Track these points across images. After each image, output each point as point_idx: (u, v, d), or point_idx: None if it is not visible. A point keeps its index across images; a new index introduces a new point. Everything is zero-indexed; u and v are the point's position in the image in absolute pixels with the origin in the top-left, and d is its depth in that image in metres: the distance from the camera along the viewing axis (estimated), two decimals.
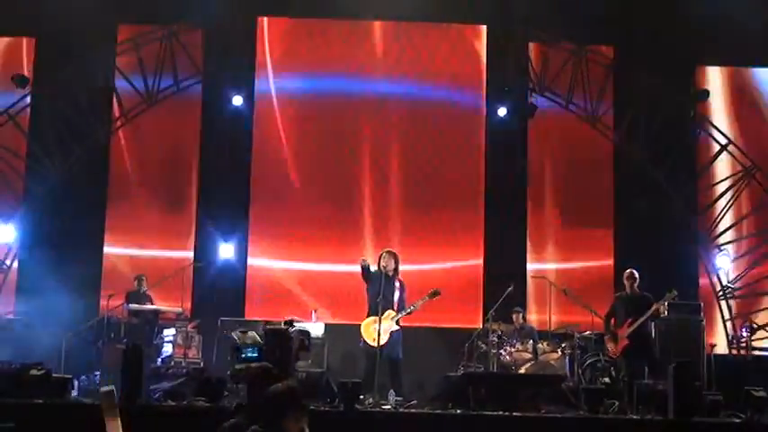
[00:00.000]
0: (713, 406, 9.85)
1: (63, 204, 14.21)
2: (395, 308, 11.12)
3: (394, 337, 11.05)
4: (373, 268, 11.34)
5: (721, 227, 14.56)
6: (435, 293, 11.31)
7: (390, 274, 11.21)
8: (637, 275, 11.28)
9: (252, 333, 10.43)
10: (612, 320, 11.43)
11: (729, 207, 14.58)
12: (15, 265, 14.34)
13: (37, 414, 8.88)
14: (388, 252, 11.42)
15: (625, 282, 11.35)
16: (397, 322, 11.09)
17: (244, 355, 9.95)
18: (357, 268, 11.54)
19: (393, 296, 11.16)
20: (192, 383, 10.32)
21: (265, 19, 15.24)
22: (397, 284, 11.27)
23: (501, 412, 9.36)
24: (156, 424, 8.93)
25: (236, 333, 10.58)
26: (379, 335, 10.77)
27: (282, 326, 10.24)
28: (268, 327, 10.34)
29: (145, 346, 10.34)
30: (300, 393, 4.39)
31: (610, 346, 11.27)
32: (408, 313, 11.19)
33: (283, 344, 9.87)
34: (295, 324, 10.50)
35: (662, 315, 11.80)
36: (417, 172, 15.02)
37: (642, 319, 11.01)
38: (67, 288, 13.06)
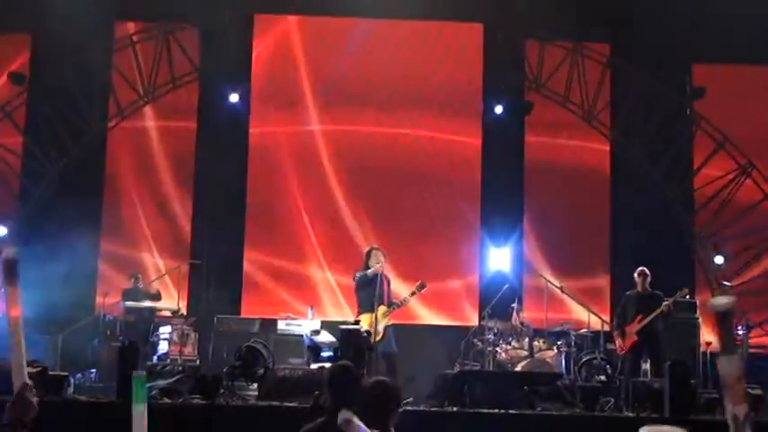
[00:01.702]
0: (709, 404, 9.87)
1: (59, 202, 14.19)
2: (385, 303, 11.14)
3: (389, 332, 11.06)
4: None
5: (717, 224, 14.58)
6: (422, 286, 11.31)
7: (382, 270, 11.21)
8: (649, 273, 11.24)
9: (324, 333, 10.46)
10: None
11: (725, 205, 14.60)
12: None
13: None
14: (378, 249, 11.38)
15: (637, 278, 11.28)
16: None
17: (322, 355, 10.00)
18: (350, 265, 11.54)
19: (384, 292, 11.17)
20: (187, 381, 10.31)
21: (262, 16, 15.23)
22: (386, 280, 11.28)
23: (497, 410, 9.36)
24: (152, 422, 8.92)
25: (309, 333, 10.55)
26: (375, 331, 10.75)
27: (353, 325, 10.34)
28: (342, 327, 10.41)
29: (141, 344, 10.33)
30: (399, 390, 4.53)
31: (618, 341, 11.25)
32: (398, 307, 11.19)
33: (357, 343, 9.93)
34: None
35: (672, 313, 11.62)
36: (414, 169, 15.02)
37: (652, 317, 10.99)
38: (63, 286, 13.05)
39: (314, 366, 9.97)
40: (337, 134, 15.12)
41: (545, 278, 13.02)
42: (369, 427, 4.59)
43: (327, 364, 9.61)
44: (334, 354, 9.95)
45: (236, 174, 14.91)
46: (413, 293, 11.29)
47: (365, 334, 10.34)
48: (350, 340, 10.01)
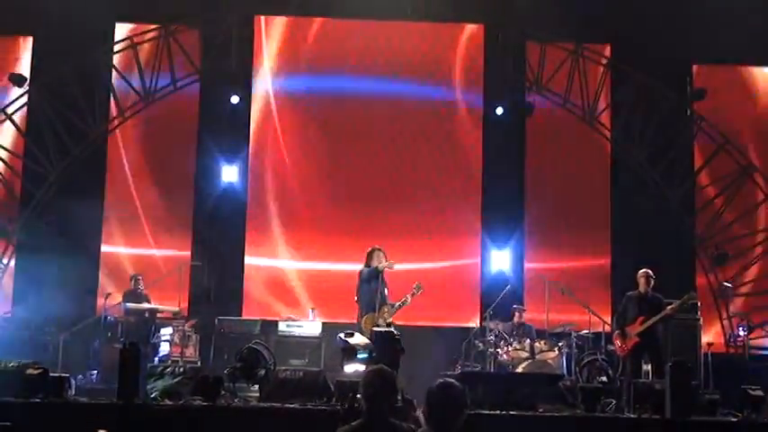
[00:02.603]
0: (710, 405, 9.86)
1: (60, 203, 14.18)
2: (387, 303, 11.18)
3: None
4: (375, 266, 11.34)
5: (718, 225, 14.58)
6: (419, 287, 11.38)
7: (382, 270, 11.24)
8: (653, 275, 11.19)
9: (358, 335, 10.45)
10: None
11: (726, 206, 14.59)
12: (13, 264, 14.34)
13: (34, 413, 8.88)
14: (380, 249, 11.42)
15: (640, 279, 11.18)
16: None
17: (358, 357, 10.00)
18: (353, 267, 11.55)
19: (384, 292, 11.21)
20: (188, 382, 10.31)
21: (262, 18, 15.24)
22: (385, 280, 11.31)
23: (498, 411, 9.36)
24: (153, 423, 8.93)
25: (343, 336, 10.52)
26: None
27: (386, 328, 10.36)
28: (376, 329, 10.43)
29: (142, 345, 10.31)
30: None
31: (618, 342, 11.21)
32: (398, 308, 11.23)
33: (392, 345, 9.95)
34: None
35: (676, 316, 11.48)
36: (414, 170, 15.03)
37: (655, 319, 10.95)
38: (65, 287, 13.05)
39: (348, 368, 9.98)
40: (337, 135, 15.12)
41: (546, 279, 13.00)
42: (435, 430, 4.56)
43: (361, 366, 9.59)
44: (369, 356, 9.94)
45: (237, 174, 14.90)
46: (412, 294, 11.33)
47: (398, 336, 10.35)
48: (385, 343, 10.04)
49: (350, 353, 10.16)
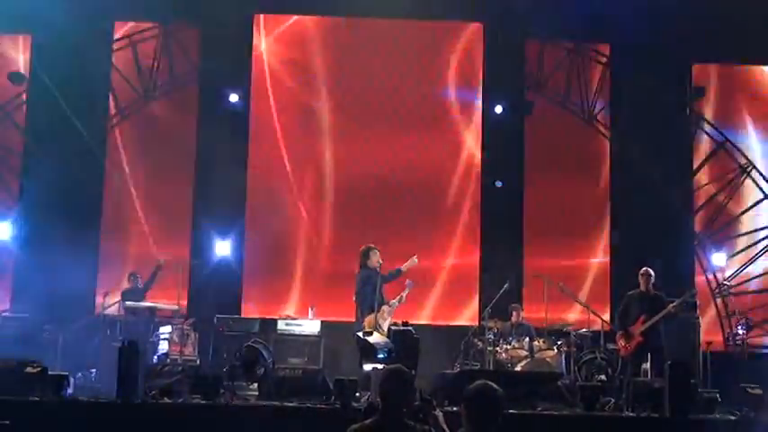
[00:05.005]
0: (709, 403, 9.88)
1: (59, 202, 14.16)
2: (386, 302, 11.14)
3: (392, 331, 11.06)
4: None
5: (717, 224, 14.59)
6: (411, 284, 11.35)
7: (378, 270, 11.16)
8: (653, 273, 11.21)
9: (376, 334, 10.43)
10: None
11: (725, 205, 14.60)
12: (12, 262, 14.33)
13: (33, 411, 8.89)
14: (375, 247, 11.28)
15: (640, 278, 11.20)
16: None
17: (378, 357, 10.01)
18: (352, 266, 11.54)
19: (382, 291, 11.16)
20: (187, 381, 10.32)
21: (261, 16, 15.24)
22: (380, 279, 11.24)
23: None
24: (152, 421, 8.94)
25: (362, 335, 10.50)
26: (377, 330, 10.75)
27: (402, 326, 10.37)
28: (394, 328, 10.43)
29: (141, 344, 10.32)
30: None
31: (621, 342, 11.21)
32: (396, 306, 11.21)
33: (411, 344, 9.95)
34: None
35: (678, 314, 11.46)
36: (414, 169, 15.02)
37: (657, 317, 10.96)
38: (64, 285, 13.04)
39: (367, 367, 9.97)
40: (336, 134, 15.11)
41: (545, 278, 13.00)
42: (474, 431, 4.62)
43: (380, 365, 9.58)
44: (388, 355, 9.94)
45: (237, 173, 14.89)
46: (407, 291, 11.28)
47: (417, 335, 10.34)
48: (404, 342, 10.05)
49: (369, 352, 10.14)
